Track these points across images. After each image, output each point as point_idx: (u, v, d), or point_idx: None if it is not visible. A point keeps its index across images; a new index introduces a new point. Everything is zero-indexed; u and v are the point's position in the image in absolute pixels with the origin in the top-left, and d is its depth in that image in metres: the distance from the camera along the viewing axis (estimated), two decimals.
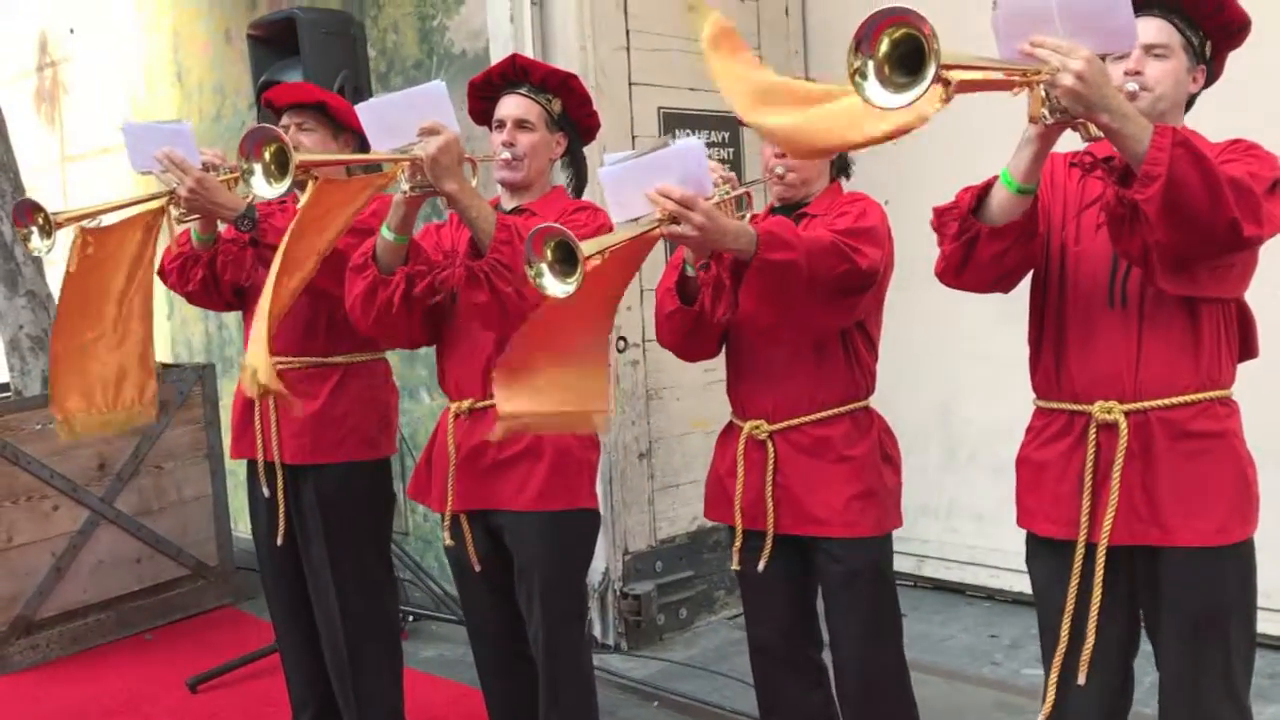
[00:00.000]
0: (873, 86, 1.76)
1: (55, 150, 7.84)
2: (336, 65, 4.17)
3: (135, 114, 7.01)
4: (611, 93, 4.20)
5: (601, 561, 4.25)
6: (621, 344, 4.25)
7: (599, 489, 3.64)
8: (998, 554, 4.58)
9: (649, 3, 4.30)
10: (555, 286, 2.16)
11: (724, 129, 4.57)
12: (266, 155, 2.31)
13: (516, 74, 2.83)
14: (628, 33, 4.23)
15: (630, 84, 4.25)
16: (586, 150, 2.97)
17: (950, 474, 4.77)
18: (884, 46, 1.74)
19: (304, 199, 2.45)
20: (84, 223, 2.78)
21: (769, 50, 4.75)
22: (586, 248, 2.11)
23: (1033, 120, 1.97)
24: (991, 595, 4.64)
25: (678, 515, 4.48)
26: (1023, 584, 4.28)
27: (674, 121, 4.40)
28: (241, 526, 5.69)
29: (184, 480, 5.06)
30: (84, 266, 2.78)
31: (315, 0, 5.35)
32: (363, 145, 2.86)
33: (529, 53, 4.13)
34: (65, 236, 2.85)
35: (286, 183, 2.28)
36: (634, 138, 4.28)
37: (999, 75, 1.88)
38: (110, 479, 4.79)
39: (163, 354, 6.59)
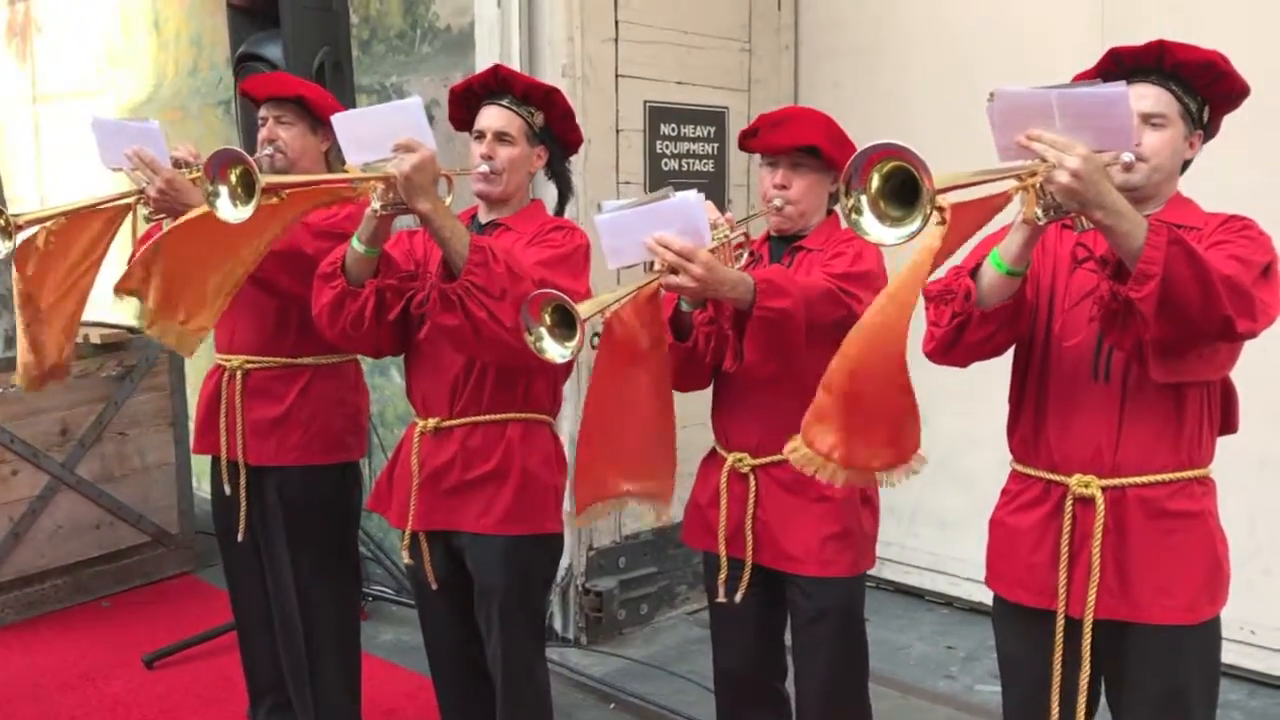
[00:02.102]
0: (869, 222, 1.75)
1: (26, 88, 7.67)
2: (318, 41, 4.06)
3: (109, 58, 6.86)
4: (598, 84, 4.12)
5: (565, 557, 4.23)
6: (596, 340, 4.20)
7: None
8: (958, 562, 4.61)
9: None
10: (555, 350, 2.16)
11: (709, 124, 4.51)
12: (232, 177, 2.23)
13: (498, 85, 2.76)
14: (617, 24, 4.15)
15: (617, 76, 4.18)
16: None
17: (916, 479, 4.73)
18: (875, 181, 1.72)
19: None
20: (48, 224, 2.70)
21: (760, 44, 4.68)
22: (584, 309, 2.09)
23: (1026, 222, 1.95)
24: (950, 602, 4.67)
25: (644, 511, 4.45)
26: (981, 594, 4.33)
27: (660, 115, 4.33)
28: (205, 486, 5.65)
29: (147, 447, 5.01)
30: (41, 265, 2.72)
31: None
32: None
33: (514, 39, 4.06)
34: None
35: (252, 206, 2.21)
36: (618, 131, 4.21)
37: (994, 185, 1.86)
38: (72, 445, 4.73)
39: (131, 314, 6.49)
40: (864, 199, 1.75)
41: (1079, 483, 2.15)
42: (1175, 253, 1.82)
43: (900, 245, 1.78)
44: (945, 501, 4.69)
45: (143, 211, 2.83)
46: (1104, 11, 4.06)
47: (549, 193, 2.97)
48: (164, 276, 2.70)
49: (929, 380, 4.57)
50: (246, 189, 2.22)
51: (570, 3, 4.02)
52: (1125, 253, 1.89)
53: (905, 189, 1.72)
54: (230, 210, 2.23)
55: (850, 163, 1.75)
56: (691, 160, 4.48)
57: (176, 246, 2.67)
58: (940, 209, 1.71)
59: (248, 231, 2.50)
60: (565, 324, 2.15)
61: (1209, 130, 2.21)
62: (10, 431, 4.53)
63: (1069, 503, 2.17)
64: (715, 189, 4.58)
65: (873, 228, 1.76)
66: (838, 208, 2.69)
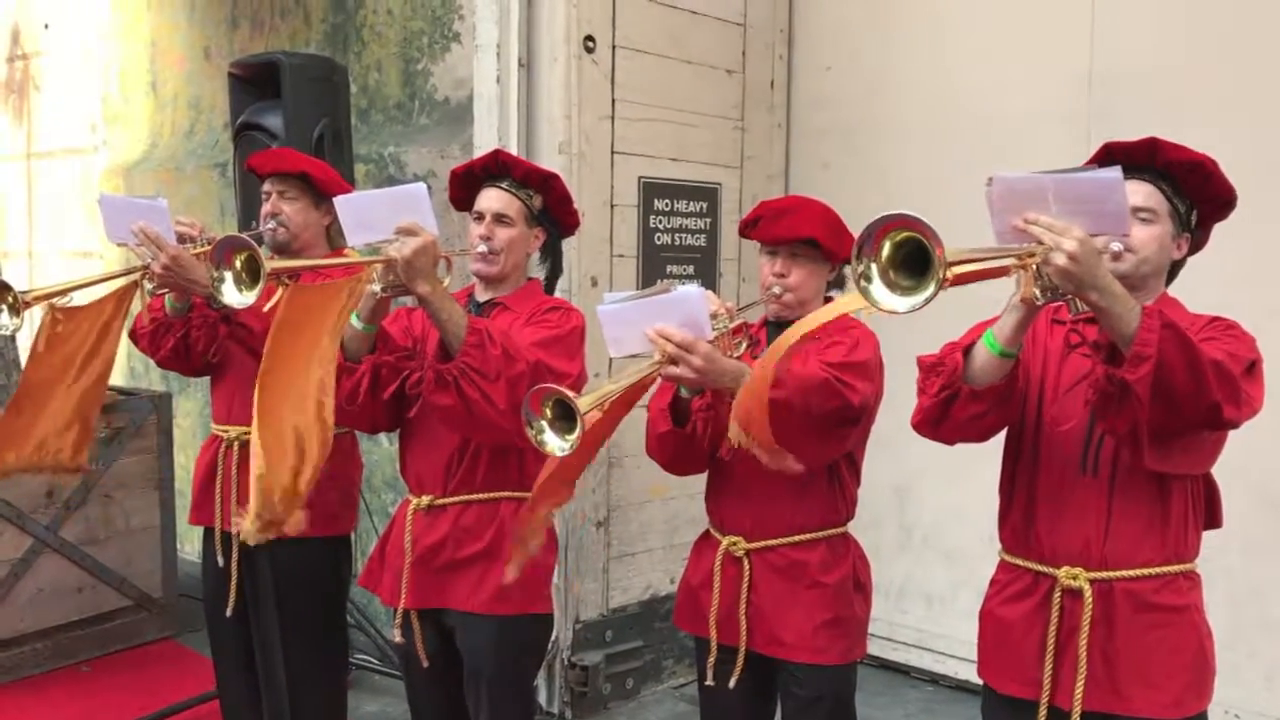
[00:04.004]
0: (879, 290, 1.77)
1: (21, 145, 7.72)
2: (318, 111, 4.11)
3: (106, 118, 6.92)
4: (594, 160, 4.18)
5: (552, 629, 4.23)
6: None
7: None
8: (945, 639, 4.61)
9: (636, 73, 4.29)
10: (556, 443, 2.19)
11: (702, 199, 4.57)
12: (237, 263, 2.26)
13: (499, 168, 2.81)
14: (613, 102, 4.22)
15: (613, 152, 4.24)
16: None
17: (904, 555, 4.79)
18: (886, 250, 1.75)
19: (276, 307, 2.40)
20: (55, 300, 2.72)
21: (753, 122, 4.76)
22: (584, 403, 2.12)
23: (1024, 301, 1.99)
24: (936, 680, 4.67)
25: (631, 584, 4.47)
26: (968, 671, 4.34)
27: (653, 191, 4.39)
28: (188, 548, 5.62)
29: (132, 510, 4.97)
30: (53, 344, 2.73)
31: (297, 34, 5.32)
32: None
33: (513, 115, 4.12)
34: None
35: (257, 290, 2.24)
36: (613, 206, 4.27)
37: (995, 262, 1.90)
38: (57, 507, 4.70)
39: (119, 373, 6.49)
40: (874, 267, 1.77)
41: (1067, 575, 2.18)
42: (1169, 335, 1.86)
43: (911, 314, 1.80)
44: (932, 577, 4.71)
45: (147, 286, 2.86)
46: (1090, 96, 4.16)
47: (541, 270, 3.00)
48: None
49: (917, 456, 4.65)
50: (251, 275, 2.25)
51: (568, 81, 4.09)
52: (1119, 336, 1.92)
53: (914, 260, 1.75)
54: (235, 295, 2.26)
55: (863, 231, 1.77)
56: (684, 235, 4.54)
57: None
58: (946, 279, 1.74)
59: (301, 386, 2.46)
60: (566, 417, 2.17)
61: (1197, 239, 2.26)
62: None
63: (1057, 594, 2.19)
64: (707, 263, 4.63)
65: (883, 296, 1.78)
66: (846, 279, 2.73)
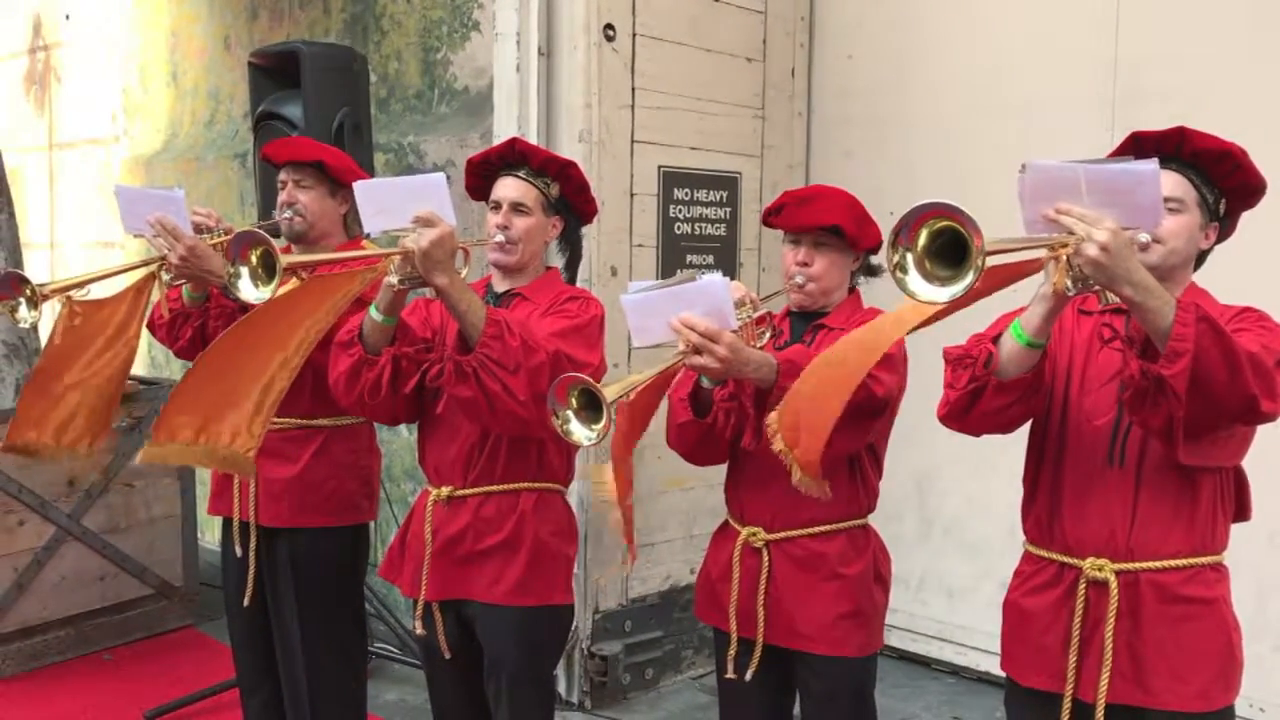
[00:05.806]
0: (915, 281, 1.75)
1: (43, 136, 7.75)
2: (337, 101, 4.13)
3: (126, 108, 6.94)
4: (613, 149, 4.16)
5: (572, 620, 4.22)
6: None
7: None
8: (966, 631, 4.59)
9: (656, 61, 4.26)
10: (582, 432, 2.19)
11: (722, 189, 4.54)
12: (253, 258, 2.26)
13: (516, 157, 2.79)
14: (633, 90, 4.19)
15: (633, 141, 4.21)
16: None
17: (924, 546, 4.76)
18: (922, 239, 1.73)
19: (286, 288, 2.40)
20: (72, 293, 2.73)
21: (773, 111, 4.73)
22: (610, 392, 2.11)
23: (1056, 292, 1.96)
24: (957, 671, 4.64)
25: (650, 575, 4.46)
26: (989, 663, 4.32)
27: (673, 180, 4.36)
28: (209, 537, 5.64)
29: (154, 498, 4.99)
30: (69, 338, 2.74)
31: (317, 24, 5.32)
32: None
33: (532, 104, 4.11)
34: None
35: (273, 286, 2.24)
36: (633, 195, 4.25)
37: (1028, 252, 1.88)
38: (79, 495, 4.72)
39: (140, 363, 6.51)
40: (910, 257, 1.75)
41: (1092, 566, 2.16)
42: (1205, 329, 1.83)
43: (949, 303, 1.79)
44: (953, 569, 4.68)
45: (165, 277, 2.86)
46: (1115, 82, 4.11)
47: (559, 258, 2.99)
48: (201, 397, 2.59)
49: (939, 448, 4.61)
50: (267, 270, 2.25)
51: (588, 69, 4.06)
52: (1154, 330, 1.89)
53: (949, 250, 1.73)
54: (251, 290, 2.26)
55: (900, 220, 1.75)
56: (704, 224, 4.51)
57: (212, 363, 2.57)
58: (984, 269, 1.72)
59: (282, 336, 2.50)
60: (591, 406, 2.16)
61: (1225, 227, 2.22)
62: (18, 481, 4.53)
63: (1082, 586, 2.17)
64: (727, 253, 4.61)
65: (919, 286, 1.76)
66: (882, 262, 2.69)
